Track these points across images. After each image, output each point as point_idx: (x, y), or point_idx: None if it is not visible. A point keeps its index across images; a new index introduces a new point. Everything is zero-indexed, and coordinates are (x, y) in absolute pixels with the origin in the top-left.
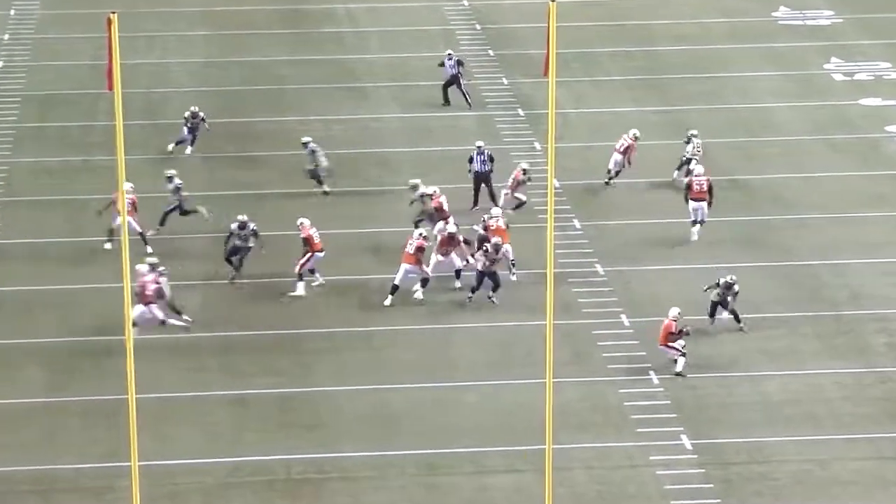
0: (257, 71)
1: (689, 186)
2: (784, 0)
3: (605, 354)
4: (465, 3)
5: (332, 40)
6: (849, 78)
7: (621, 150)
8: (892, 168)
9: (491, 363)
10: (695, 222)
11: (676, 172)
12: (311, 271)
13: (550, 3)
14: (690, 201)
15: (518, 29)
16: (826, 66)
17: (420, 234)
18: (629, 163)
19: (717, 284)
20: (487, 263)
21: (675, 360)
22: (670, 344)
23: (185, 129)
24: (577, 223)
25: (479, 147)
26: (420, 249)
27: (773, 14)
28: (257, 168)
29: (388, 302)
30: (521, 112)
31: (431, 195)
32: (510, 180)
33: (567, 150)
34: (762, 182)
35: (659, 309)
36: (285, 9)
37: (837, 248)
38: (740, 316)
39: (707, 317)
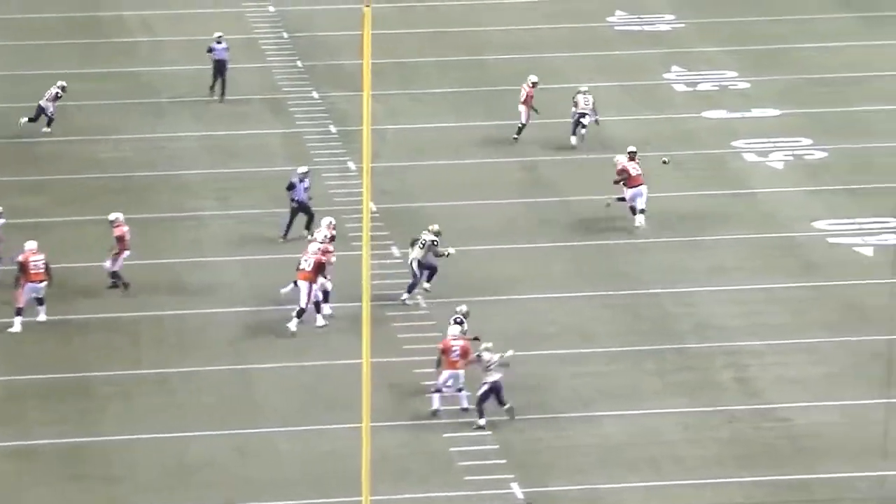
0: (46, 85)
1: (624, 172)
2: (620, 3)
3: (428, 396)
4: (271, 9)
5: (124, 51)
6: (691, 88)
7: (522, 100)
8: (738, 186)
9: (300, 407)
10: (635, 210)
11: (573, 137)
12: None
13: (364, 7)
14: (628, 189)
15: (329, 37)
16: (666, 75)
17: (319, 248)
18: (535, 111)
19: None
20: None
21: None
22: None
23: None
24: (395, 251)
25: (302, 173)
26: (319, 266)
27: (609, 19)
28: (40, 193)
29: (293, 326)
30: (333, 129)
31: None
32: None
33: (384, 171)
34: (597, 203)
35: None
36: (81, 16)
37: (681, 274)
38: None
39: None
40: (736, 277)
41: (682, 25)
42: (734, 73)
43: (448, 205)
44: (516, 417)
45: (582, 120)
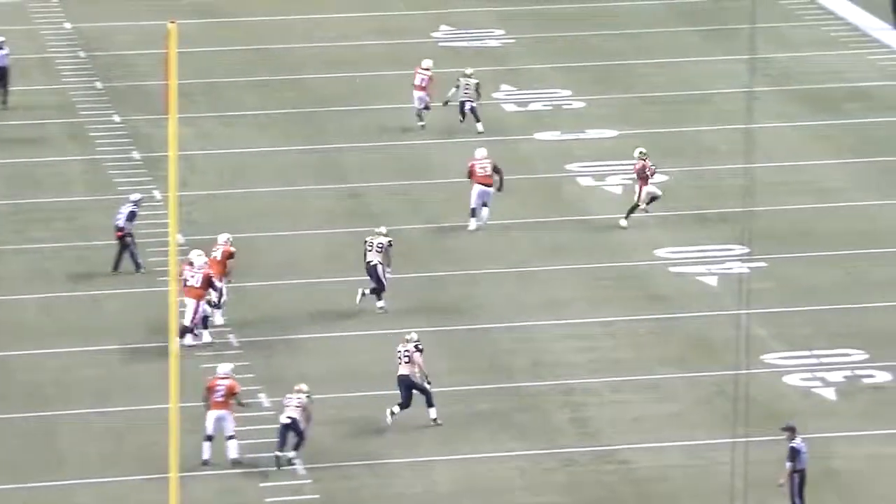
0: None
1: (471, 171)
2: (446, 18)
3: (241, 441)
4: (67, 25)
5: None
6: (522, 108)
7: (420, 85)
8: (573, 213)
9: (104, 456)
10: (475, 210)
11: (462, 118)
12: None
13: (169, 24)
14: (476, 185)
15: (131, 56)
16: (495, 95)
17: (206, 263)
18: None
19: None
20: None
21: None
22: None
23: None
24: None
25: (135, 200)
26: (208, 280)
27: (434, 35)
28: None
29: (187, 341)
30: (136, 155)
31: None
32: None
33: (193, 200)
34: (425, 233)
35: (308, 385)
36: None
37: (515, 307)
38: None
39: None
40: (573, 310)
41: (512, 41)
42: (568, 92)
43: (265, 236)
44: (339, 464)
45: (465, 104)
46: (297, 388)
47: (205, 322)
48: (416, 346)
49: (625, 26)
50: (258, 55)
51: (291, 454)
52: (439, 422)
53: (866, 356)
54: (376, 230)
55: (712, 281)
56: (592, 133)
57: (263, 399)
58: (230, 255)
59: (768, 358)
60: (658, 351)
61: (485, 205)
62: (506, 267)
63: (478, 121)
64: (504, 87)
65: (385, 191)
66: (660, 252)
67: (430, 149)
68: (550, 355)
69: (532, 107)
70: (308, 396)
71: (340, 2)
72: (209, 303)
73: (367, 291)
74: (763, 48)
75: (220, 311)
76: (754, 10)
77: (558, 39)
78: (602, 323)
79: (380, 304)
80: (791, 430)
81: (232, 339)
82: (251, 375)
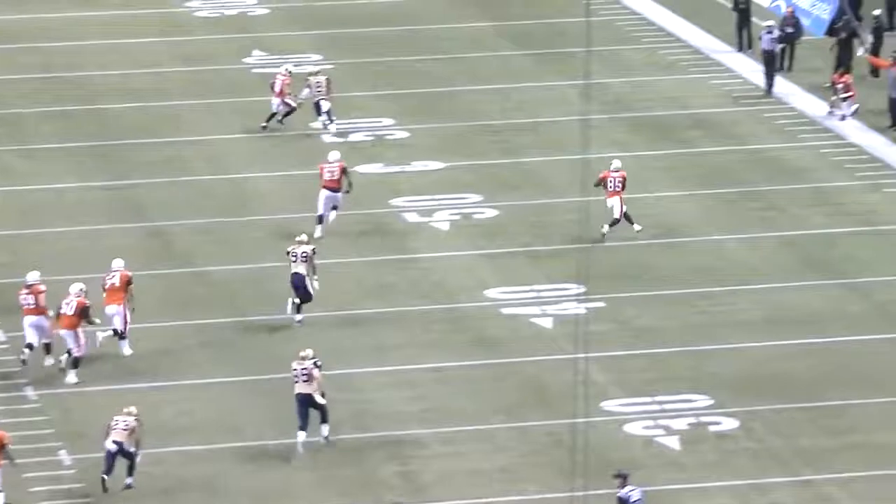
0: None
1: (320, 174)
2: (259, 42)
3: None
4: None
5: None
6: (342, 139)
7: (277, 91)
8: (399, 251)
9: None
10: (322, 217)
11: (321, 120)
12: None
13: None
14: (322, 190)
15: None
16: (314, 124)
17: (81, 290)
18: (286, 104)
19: None
20: None
21: None
22: None
23: None
24: (1, 334)
25: None
26: (83, 309)
27: (246, 61)
28: None
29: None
30: None
31: None
32: None
33: None
34: (242, 274)
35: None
36: None
37: (337, 354)
38: None
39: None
40: (399, 356)
41: (331, 66)
42: (391, 121)
43: (70, 278)
44: None
45: (321, 104)
46: (126, 410)
47: (76, 362)
48: (314, 363)
49: (450, 50)
50: (53, 84)
51: (128, 480)
52: (331, 439)
53: (711, 402)
54: (297, 239)
55: (547, 323)
56: (418, 165)
57: (64, 456)
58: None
59: (608, 405)
60: (491, 399)
61: (334, 208)
62: (327, 310)
63: (331, 121)
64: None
65: (190, 230)
66: (491, 293)
67: (242, 183)
68: (375, 405)
69: (353, 137)
70: (137, 419)
71: (141, 27)
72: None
73: (298, 301)
74: (599, 72)
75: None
76: (589, 33)
77: (379, 64)
78: (431, 369)
79: (298, 317)
80: (622, 478)
81: (30, 392)
82: (50, 431)
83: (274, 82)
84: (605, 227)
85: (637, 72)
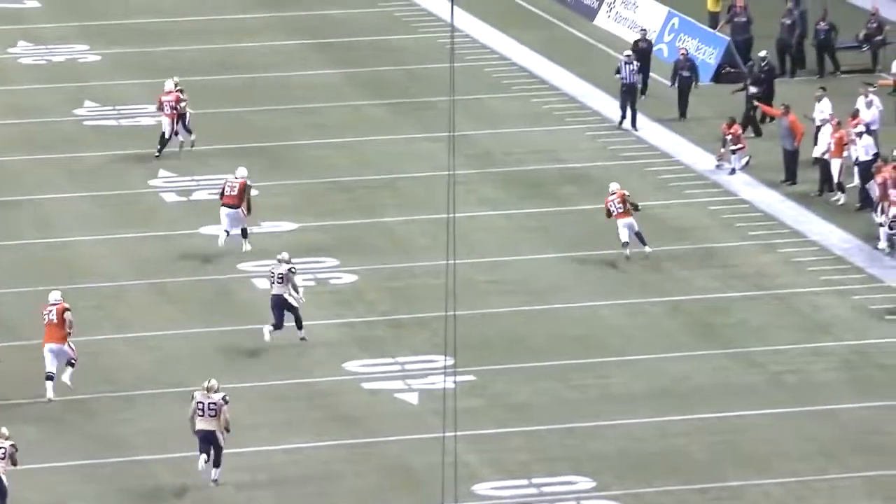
0: None
1: (222, 192)
2: (91, 93)
3: None
4: None
5: None
6: (184, 198)
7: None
8: (247, 321)
9: None
10: (228, 232)
11: (182, 139)
12: None
13: None
14: (223, 207)
15: None
16: (154, 182)
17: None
18: (181, 125)
19: None
20: None
21: None
22: None
23: None
24: None
25: None
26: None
27: (77, 112)
28: None
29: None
30: None
31: None
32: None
33: None
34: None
35: None
36: None
37: (174, 436)
38: None
39: None
40: (254, 437)
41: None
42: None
43: None
44: None
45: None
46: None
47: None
48: (223, 398)
49: (294, 100)
50: None
51: None
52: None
53: (593, 484)
54: (278, 257)
55: (412, 398)
56: (267, 226)
57: None
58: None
59: (480, 488)
60: (351, 484)
61: (244, 234)
62: (168, 387)
63: (189, 132)
64: (163, 172)
65: (18, 298)
66: (350, 365)
67: (68, 246)
68: (224, 495)
69: (196, 196)
70: (12, 445)
71: None
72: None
73: (272, 328)
74: (464, 123)
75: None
76: (452, 79)
77: (222, 115)
78: (287, 450)
79: (301, 333)
80: None
81: None
82: None
83: (162, 100)
84: (627, 251)
85: (507, 122)
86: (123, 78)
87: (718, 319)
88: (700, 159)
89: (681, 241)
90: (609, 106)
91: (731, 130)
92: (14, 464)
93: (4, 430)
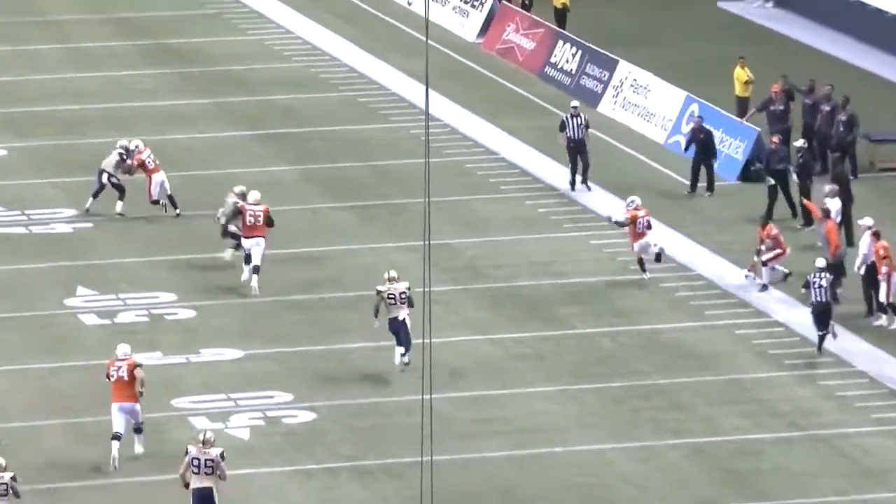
0: None
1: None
2: None
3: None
4: None
5: None
6: (107, 320)
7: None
8: None
9: None
10: (248, 257)
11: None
12: None
13: None
14: (247, 239)
15: None
16: (71, 301)
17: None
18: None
19: None
20: None
21: None
22: None
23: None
24: None
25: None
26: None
27: None
28: None
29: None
30: None
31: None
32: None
33: None
34: None
35: None
36: None
37: None
38: None
39: None
40: None
41: (90, 225)
42: (171, 297)
43: None
44: None
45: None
46: None
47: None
48: (221, 455)
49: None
50: None
51: None
52: None
53: None
54: (387, 276)
55: None
56: (208, 354)
57: None
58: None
59: None
60: None
61: (256, 270)
62: None
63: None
64: (82, 290)
65: None
66: None
67: None
68: None
69: (121, 318)
70: (13, 478)
71: None
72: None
73: (404, 356)
74: (442, 230)
75: None
76: (427, 180)
77: (152, 221)
78: None
79: (406, 359)
80: None
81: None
82: None
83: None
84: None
85: (495, 229)
86: (34, 176)
87: (749, 465)
88: (724, 272)
89: (703, 371)
90: (618, 209)
91: (766, 233)
92: (17, 496)
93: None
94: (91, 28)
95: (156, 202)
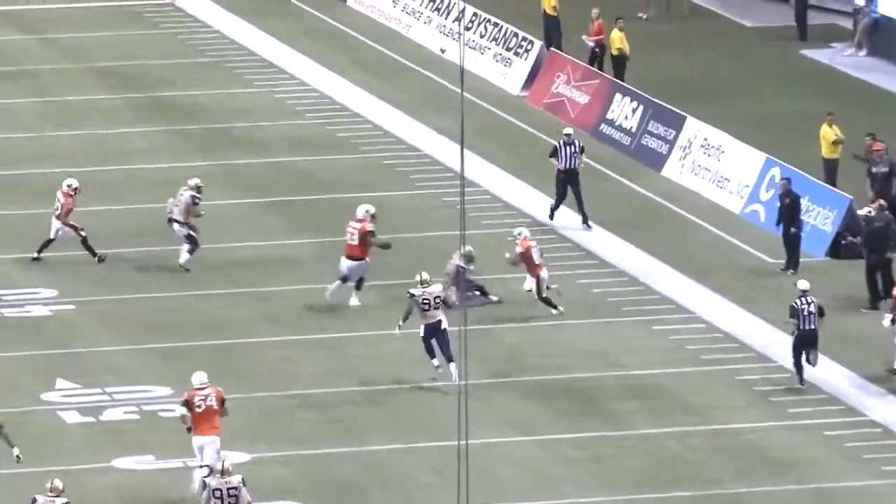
0: None
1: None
2: None
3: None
4: None
5: None
6: (91, 419)
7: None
8: None
9: None
10: (346, 278)
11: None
12: None
13: None
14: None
15: None
16: None
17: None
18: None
19: None
20: None
21: None
22: None
23: None
24: None
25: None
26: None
27: None
28: None
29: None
30: None
31: None
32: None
33: None
34: None
35: None
36: None
37: None
38: None
39: None
40: None
41: (72, 308)
42: (166, 390)
43: None
44: None
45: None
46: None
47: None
48: (242, 481)
49: (245, 280)
50: None
51: None
52: None
53: None
54: (418, 278)
55: None
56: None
57: None
58: None
59: None
60: None
61: (357, 286)
62: None
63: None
64: (61, 383)
65: None
66: None
67: None
68: None
69: (108, 415)
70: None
71: None
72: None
73: (443, 365)
74: (483, 315)
75: None
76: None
77: (149, 301)
78: None
79: (451, 368)
80: None
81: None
82: None
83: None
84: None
85: (543, 312)
86: (3, 251)
87: None
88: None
89: (784, 478)
90: (686, 290)
91: None
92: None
93: (58, 483)
94: (71, 78)
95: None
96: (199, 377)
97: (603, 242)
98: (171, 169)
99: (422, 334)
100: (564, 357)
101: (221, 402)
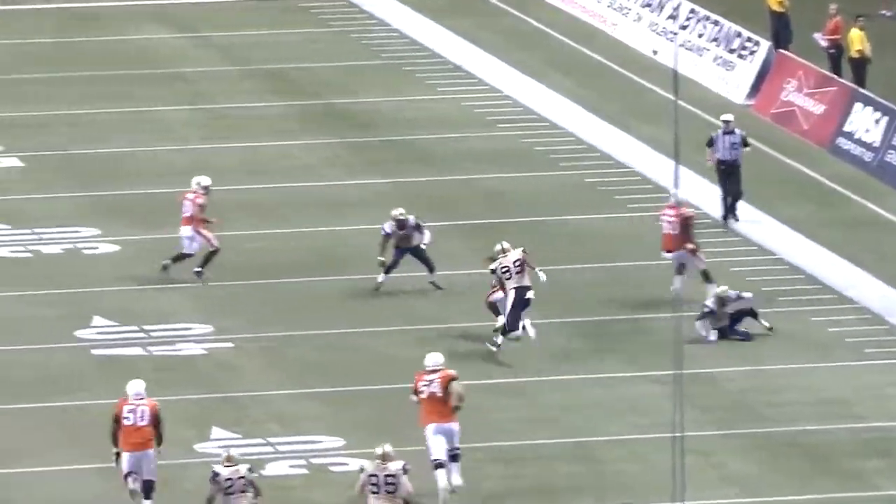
0: None
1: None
2: None
3: None
4: None
5: None
6: None
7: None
8: None
9: None
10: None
11: None
12: None
13: None
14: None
15: None
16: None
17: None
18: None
19: None
20: None
21: None
22: None
23: None
24: None
25: None
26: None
27: None
28: None
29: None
30: None
31: None
32: None
33: None
34: None
35: None
36: None
37: None
38: None
39: None
40: None
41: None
42: None
43: None
44: None
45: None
46: None
47: None
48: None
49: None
50: None
51: None
52: None
53: None
54: (499, 247)
55: None
56: None
57: None
58: None
59: None
60: None
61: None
62: None
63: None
64: None
65: None
66: None
67: None
68: None
69: None
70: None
71: None
72: None
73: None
74: (700, 356)
75: None
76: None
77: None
78: None
79: (532, 330)
80: None
81: None
82: None
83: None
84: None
85: (770, 356)
86: (146, 282)
87: None
88: None
89: None
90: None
91: None
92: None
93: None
94: (228, 84)
95: None
96: (432, 358)
97: (841, 275)
98: (341, 188)
99: (510, 301)
100: (795, 406)
101: (446, 385)
